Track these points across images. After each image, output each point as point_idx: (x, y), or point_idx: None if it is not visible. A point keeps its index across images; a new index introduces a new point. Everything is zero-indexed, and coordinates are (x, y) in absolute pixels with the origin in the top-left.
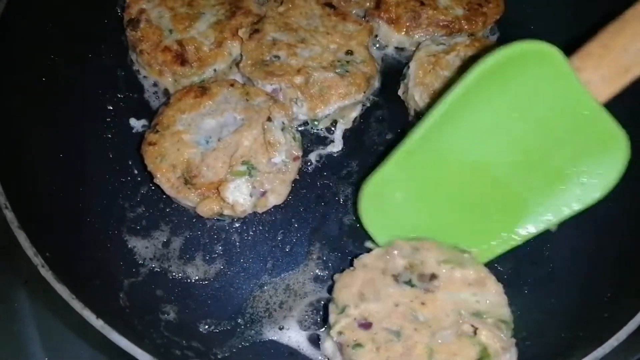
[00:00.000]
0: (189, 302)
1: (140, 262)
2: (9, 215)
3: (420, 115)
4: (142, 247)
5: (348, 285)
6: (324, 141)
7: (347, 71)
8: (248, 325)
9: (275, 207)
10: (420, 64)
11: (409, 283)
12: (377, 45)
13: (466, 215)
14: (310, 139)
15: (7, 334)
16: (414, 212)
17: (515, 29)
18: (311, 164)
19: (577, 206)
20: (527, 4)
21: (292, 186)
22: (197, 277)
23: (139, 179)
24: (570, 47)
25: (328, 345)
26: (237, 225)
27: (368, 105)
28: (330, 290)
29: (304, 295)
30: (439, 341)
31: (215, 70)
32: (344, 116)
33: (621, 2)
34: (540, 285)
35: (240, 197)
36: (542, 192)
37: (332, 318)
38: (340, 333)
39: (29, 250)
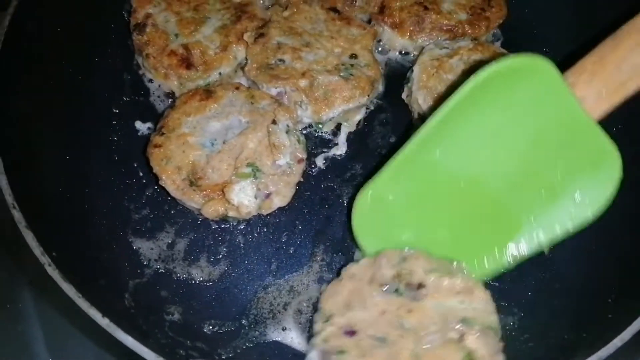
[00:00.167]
0: (194, 303)
1: (145, 263)
2: (17, 215)
3: (424, 118)
4: (147, 248)
5: (334, 295)
6: (328, 144)
7: (351, 75)
8: (252, 326)
9: (279, 209)
10: (424, 68)
11: (396, 292)
12: (381, 50)
13: (458, 230)
14: (315, 141)
15: (11, 334)
16: (406, 226)
17: (518, 33)
18: (315, 166)
19: (570, 225)
20: (530, 8)
21: (296, 188)
22: (201, 279)
23: (144, 181)
24: (573, 53)
25: (313, 356)
26: (241, 227)
27: (372, 108)
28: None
29: (308, 297)
30: (425, 347)
31: (220, 73)
32: (348, 119)
33: (622, 6)
34: (543, 287)
35: (245, 198)
36: (535, 208)
37: (316, 327)
38: (324, 341)
39: (36, 250)
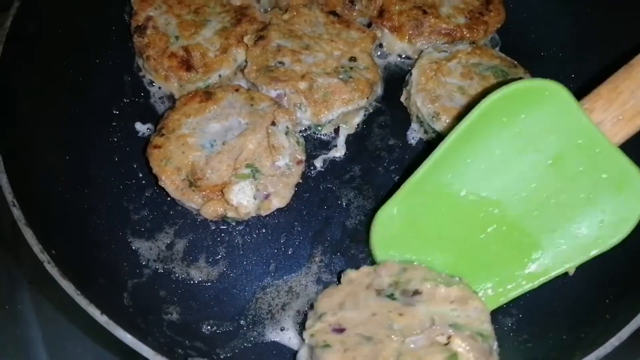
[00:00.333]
0: (192, 303)
1: (144, 263)
2: (16, 212)
3: (421, 121)
4: (146, 248)
5: (330, 296)
6: (327, 146)
7: (350, 77)
8: (250, 326)
9: (278, 210)
10: (423, 71)
11: (390, 297)
12: (380, 53)
13: (475, 253)
14: (314, 143)
15: (10, 336)
16: (423, 246)
17: (516, 37)
18: (314, 168)
19: (595, 249)
20: (527, 13)
21: (295, 190)
22: (200, 279)
23: (144, 182)
24: (570, 57)
25: (302, 353)
26: (240, 227)
27: (371, 111)
28: None
29: (306, 298)
30: (410, 346)
31: (220, 75)
32: (347, 122)
33: (620, 11)
34: (541, 288)
35: (244, 199)
36: (556, 233)
37: (308, 323)
38: (312, 335)
39: (36, 247)
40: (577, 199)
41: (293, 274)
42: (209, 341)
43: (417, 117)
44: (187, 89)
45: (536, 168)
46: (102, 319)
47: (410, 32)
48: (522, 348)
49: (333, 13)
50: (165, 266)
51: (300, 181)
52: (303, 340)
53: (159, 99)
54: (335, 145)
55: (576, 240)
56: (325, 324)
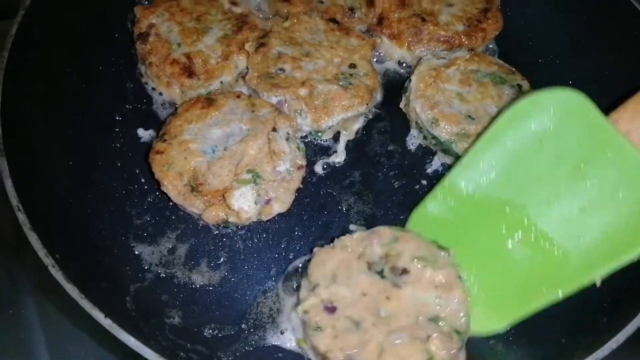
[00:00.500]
0: (194, 307)
1: (146, 267)
2: (21, 217)
3: (420, 127)
4: (148, 253)
5: (323, 263)
6: (327, 152)
7: (350, 84)
8: (252, 330)
9: (279, 215)
10: (422, 77)
11: (380, 273)
12: (379, 60)
13: (504, 260)
14: (314, 149)
15: (14, 340)
16: (454, 245)
17: (514, 44)
18: (315, 173)
19: (624, 256)
20: (525, 20)
21: (295, 195)
22: (201, 283)
23: (146, 187)
24: (568, 64)
25: (294, 317)
26: (241, 232)
27: (370, 117)
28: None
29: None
30: (393, 342)
31: (221, 82)
32: (346, 128)
33: (617, 19)
34: None
35: (245, 204)
36: (581, 240)
37: (302, 293)
38: (305, 312)
39: (40, 251)
40: (604, 205)
41: None
42: (210, 345)
43: (416, 123)
44: (188, 95)
45: (561, 176)
46: (106, 322)
47: (409, 39)
48: (521, 352)
49: (333, 20)
50: (167, 270)
51: (301, 186)
52: (296, 311)
53: (161, 105)
54: (335, 151)
55: (603, 246)
56: (317, 299)
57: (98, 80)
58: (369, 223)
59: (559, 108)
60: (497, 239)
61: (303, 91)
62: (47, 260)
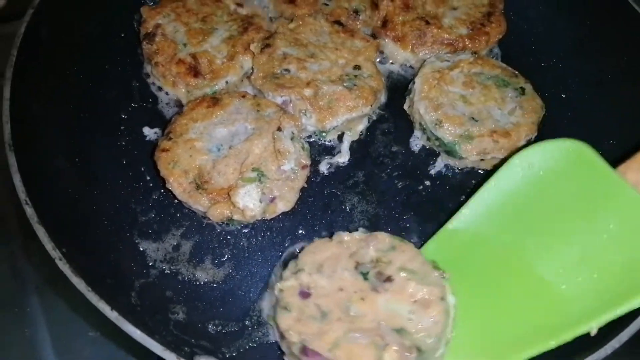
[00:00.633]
0: (198, 304)
1: (150, 264)
2: (29, 211)
3: (424, 129)
4: (153, 249)
5: (315, 252)
6: (331, 152)
7: (355, 85)
8: (255, 327)
9: (283, 214)
10: (426, 79)
11: (364, 275)
12: (383, 62)
13: (505, 303)
14: (318, 149)
15: (19, 338)
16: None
17: (517, 48)
18: (319, 173)
19: (623, 308)
20: (527, 24)
21: (300, 194)
22: (206, 280)
23: (151, 185)
24: (570, 67)
25: (271, 293)
26: (245, 230)
27: (374, 118)
28: None
29: None
30: (350, 339)
31: (227, 82)
32: (351, 128)
33: (619, 22)
34: None
35: (250, 202)
36: (580, 288)
37: (285, 273)
38: (281, 291)
39: (48, 245)
40: (603, 254)
41: None
42: (214, 340)
43: (420, 124)
44: (194, 95)
45: (563, 223)
46: (112, 315)
47: (413, 42)
48: None
49: (338, 23)
50: (171, 267)
51: (305, 185)
52: (271, 286)
53: (167, 104)
54: (340, 151)
55: (601, 296)
56: (296, 283)
57: (104, 79)
58: (373, 223)
59: (565, 158)
60: (495, 280)
61: (308, 92)
62: (55, 254)
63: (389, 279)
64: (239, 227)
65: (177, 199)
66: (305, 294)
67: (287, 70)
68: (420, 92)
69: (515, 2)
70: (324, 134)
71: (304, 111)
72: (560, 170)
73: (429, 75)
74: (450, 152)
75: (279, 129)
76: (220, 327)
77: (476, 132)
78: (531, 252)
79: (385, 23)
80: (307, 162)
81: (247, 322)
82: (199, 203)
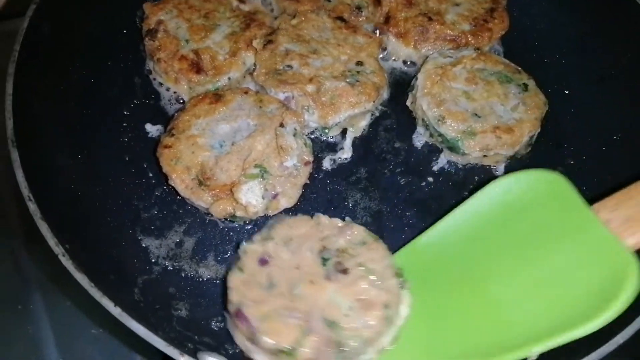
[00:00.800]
0: (201, 300)
1: (153, 260)
2: (32, 207)
3: (427, 125)
4: (155, 246)
5: (291, 226)
6: (334, 148)
7: (357, 81)
8: None
9: (285, 210)
10: (428, 75)
11: (324, 260)
12: (386, 58)
13: (451, 321)
14: (321, 145)
15: (23, 335)
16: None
17: (519, 44)
18: (322, 169)
19: (563, 337)
20: (530, 20)
21: (302, 191)
22: (208, 276)
23: (154, 181)
24: (573, 63)
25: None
26: (248, 227)
27: (377, 114)
28: None
29: None
30: (282, 313)
31: (229, 78)
32: (353, 124)
33: (621, 18)
34: None
35: (253, 198)
36: (531, 319)
37: (255, 237)
38: (244, 252)
39: (51, 241)
40: (557, 284)
41: None
42: (217, 337)
43: (423, 120)
44: (196, 91)
45: (527, 250)
46: (116, 311)
47: (415, 38)
48: None
49: (340, 19)
50: (174, 264)
51: (308, 182)
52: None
53: (169, 101)
54: (342, 148)
55: (546, 323)
56: (261, 249)
57: (107, 75)
58: (375, 219)
59: (542, 189)
60: (452, 296)
61: (310, 88)
62: (58, 250)
63: (344, 271)
64: (242, 224)
65: (180, 196)
66: (263, 262)
67: (289, 66)
68: (422, 88)
69: None
70: (326, 130)
71: (306, 107)
72: (536, 200)
73: (432, 71)
74: (453, 149)
75: (282, 125)
76: (223, 324)
77: (479, 128)
78: (491, 274)
79: (387, 19)
80: (310, 158)
81: None
82: (201, 199)
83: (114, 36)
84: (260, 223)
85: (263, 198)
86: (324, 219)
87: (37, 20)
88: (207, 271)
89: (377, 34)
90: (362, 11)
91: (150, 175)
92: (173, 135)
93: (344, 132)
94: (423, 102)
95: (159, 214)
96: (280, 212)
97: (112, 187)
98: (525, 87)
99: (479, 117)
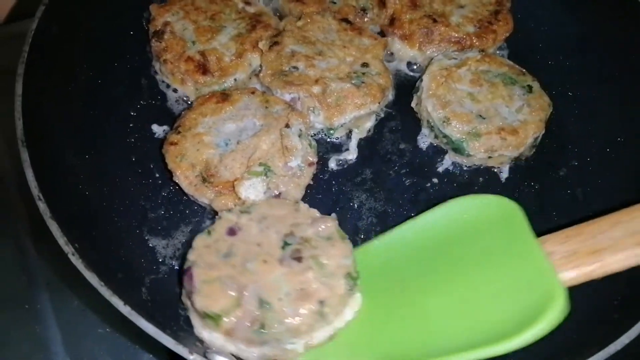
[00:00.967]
0: None
1: (160, 260)
2: (42, 206)
3: (432, 126)
4: (162, 246)
5: (272, 207)
6: (339, 149)
7: (362, 82)
8: None
9: None
10: (433, 77)
11: (285, 244)
12: (391, 60)
13: (386, 325)
14: (326, 146)
15: (30, 334)
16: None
17: (523, 46)
18: (327, 170)
19: (475, 354)
20: (534, 23)
21: (307, 191)
22: None
23: (160, 182)
24: (576, 65)
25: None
26: None
27: (382, 116)
28: None
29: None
30: (222, 281)
31: (235, 79)
32: (358, 126)
33: (624, 18)
34: None
35: (253, 194)
36: (451, 332)
37: (235, 208)
38: (218, 217)
39: (60, 240)
40: (483, 305)
41: None
42: None
43: (428, 122)
44: (202, 92)
45: (467, 266)
46: (125, 310)
47: (420, 40)
48: (533, 347)
49: (345, 20)
50: (181, 263)
51: (312, 183)
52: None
53: (175, 102)
54: (348, 149)
55: (463, 338)
56: (234, 219)
57: (113, 76)
58: (380, 220)
59: (495, 214)
60: (392, 303)
61: (316, 89)
62: (67, 249)
63: (299, 259)
64: None
65: (187, 196)
66: (232, 232)
67: (295, 67)
68: (428, 90)
69: (522, 0)
70: (332, 131)
71: (312, 108)
72: (488, 223)
73: (437, 73)
74: (458, 150)
75: (287, 126)
76: None
77: (484, 129)
78: (431, 286)
79: (392, 21)
80: (314, 159)
81: None
82: (204, 196)
83: (120, 37)
84: None
85: (264, 195)
86: (303, 206)
87: (46, 22)
88: None
89: (382, 36)
90: (367, 13)
91: (157, 175)
92: (179, 132)
93: (349, 134)
94: (428, 104)
95: (165, 214)
96: None
97: (119, 188)
98: (529, 88)
99: (484, 118)
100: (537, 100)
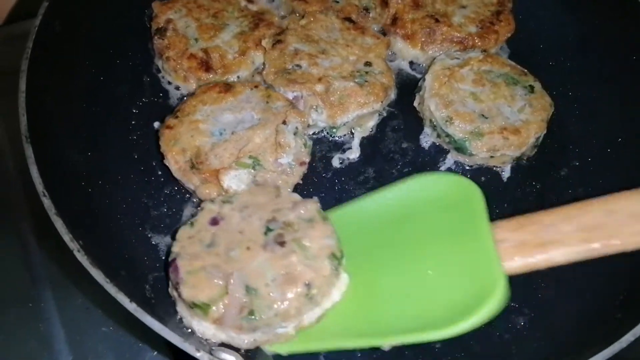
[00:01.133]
0: None
1: (163, 257)
2: (47, 202)
3: (434, 125)
4: (165, 243)
5: (254, 195)
6: (342, 147)
7: (365, 81)
8: None
9: None
10: (436, 76)
11: (268, 230)
12: (393, 60)
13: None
14: (329, 145)
15: (34, 332)
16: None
17: (525, 46)
18: (330, 169)
19: (416, 337)
20: (536, 24)
21: (309, 189)
22: None
23: (162, 179)
24: (577, 66)
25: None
26: None
27: (385, 115)
28: None
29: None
30: (210, 272)
31: (238, 77)
32: (361, 125)
33: (625, 18)
34: (552, 289)
35: (235, 184)
36: (397, 313)
37: (218, 198)
38: (202, 208)
39: (66, 236)
40: (432, 289)
41: None
42: None
43: (430, 121)
44: None
45: (419, 248)
46: (131, 307)
47: (422, 39)
48: (536, 346)
49: (348, 19)
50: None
51: (316, 181)
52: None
53: (178, 99)
54: (350, 148)
55: (411, 321)
56: (217, 209)
57: (116, 73)
58: None
59: (455, 193)
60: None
61: (319, 87)
62: (73, 245)
63: (282, 244)
64: None
65: (189, 193)
66: (214, 222)
67: (298, 65)
68: (430, 89)
69: (524, 1)
70: (334, 130)
71: (315, 107)
72: (446, 202)
73: (440, 72)
74: (460, 149)
75: (284, 123)
76: None
77: (486, 129)
78: (385, 264)
79: (394, 21)
80: (307, 159)
81: None
82: (190, 182)
83: (123, 35)
84: None
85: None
86: (285, 192)
87: (49, 18)
88: None
89: (385, 36)
90: (369, 12)
91: (159, 173)
92: (177, 117)
93: (351, 132)
94: (431, 103)
95: (168, 212)
96: None
97: (121, 185)
98: (531, 89)
99: (486, 118)
100: (539, 100)
